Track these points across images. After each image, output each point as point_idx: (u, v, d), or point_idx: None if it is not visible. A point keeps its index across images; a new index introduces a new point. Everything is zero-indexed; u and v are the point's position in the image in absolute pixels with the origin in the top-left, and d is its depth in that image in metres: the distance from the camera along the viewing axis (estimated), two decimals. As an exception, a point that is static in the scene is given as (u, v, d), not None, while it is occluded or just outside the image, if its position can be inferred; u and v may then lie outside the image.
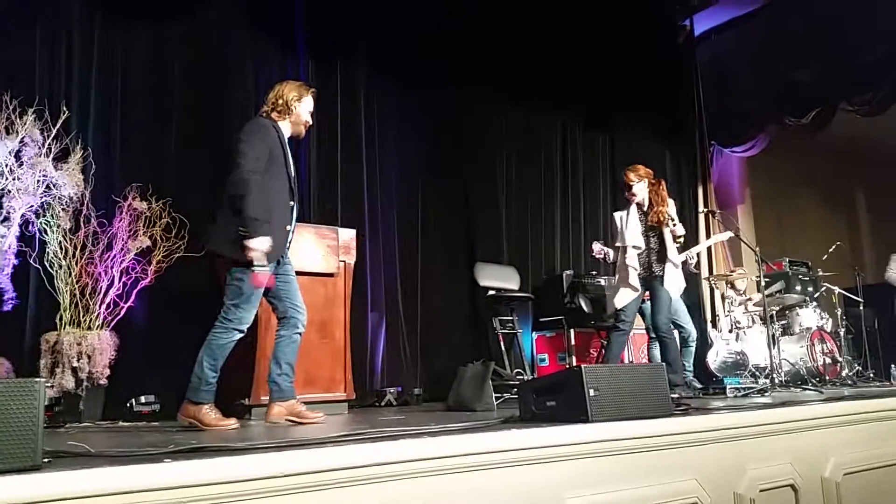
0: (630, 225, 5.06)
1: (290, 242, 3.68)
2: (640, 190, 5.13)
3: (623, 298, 5.02)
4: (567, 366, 6.19)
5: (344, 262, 4.64)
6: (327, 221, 5.18)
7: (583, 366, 2.59)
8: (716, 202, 9.25)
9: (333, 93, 6.10)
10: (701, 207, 8.65)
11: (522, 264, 7.02)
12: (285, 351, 3.57)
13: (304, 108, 3.74)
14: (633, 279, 4.98)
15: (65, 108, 4.42)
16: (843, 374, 6.83)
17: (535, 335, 6.94)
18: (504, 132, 7.36)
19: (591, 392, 2.46)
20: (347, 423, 3.41)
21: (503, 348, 6.02)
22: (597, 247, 5.33)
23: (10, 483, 1.41)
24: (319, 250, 4.53)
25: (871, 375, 7.12)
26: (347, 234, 4.72)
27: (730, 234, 6.62)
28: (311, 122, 3.85)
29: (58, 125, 4.31)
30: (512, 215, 7.26)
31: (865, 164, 10.91)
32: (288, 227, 3.61)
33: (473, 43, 6.92)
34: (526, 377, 5.91)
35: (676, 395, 4.35)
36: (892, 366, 6.91)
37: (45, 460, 1.62)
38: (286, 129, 3.71)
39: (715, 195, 9.36)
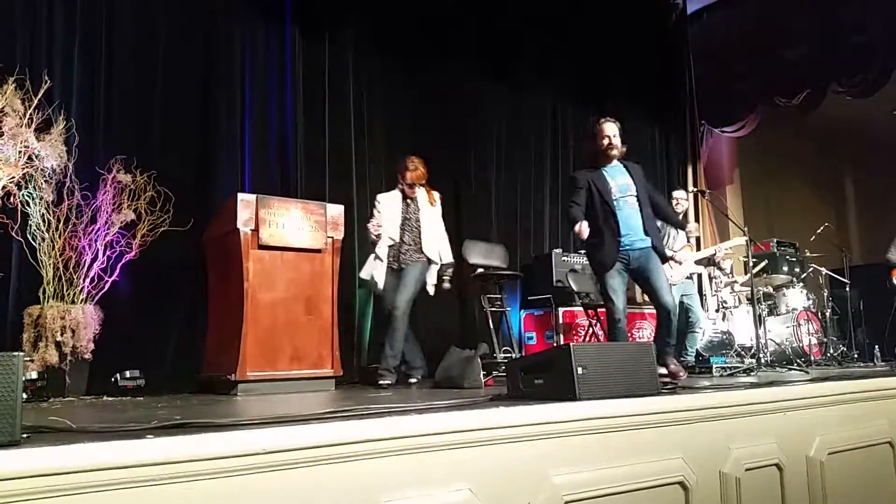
0: None
1: None
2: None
3: None
4: (555, 344, 6.21)
5: (332, 237, 4.59)
6: (315, 197, 5.12)
7: (571, 344, 2.58)
8: (705, 182, 9.26)
9: (321, 65, 6.03)
10: (690, 187, 8.64)
11: (511, 242, 7.00)
12: None
13: None
14: None
15: (47, 78, 4.33)
16: (829, 354, 6.89)
17: (523, 313, 6.95)
18: (493, 109, 7.30)
19: (579, 370, 2.46)
20: (334, 400, 3.39)
21: (491, 326, 6.01)
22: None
23: (-13, 458, 1.38)
24: (307, 225, 4.49)
25: (856, 356, 7.19)
26: (335, 210, 4.66)
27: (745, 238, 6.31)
28: None
29: (39, 95, 4.22)
30: (501, 193, 7.23)
31: (854, 146, 10.93)
32: None
33: (463, 18, 6.85)
34: (514, 355, 5.92)
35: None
36: (877, 347, 6.98)
37: (25, 436, 1.59)
38: None
39: (704, 175, 9.38)
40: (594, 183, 4.32)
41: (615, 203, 4.28)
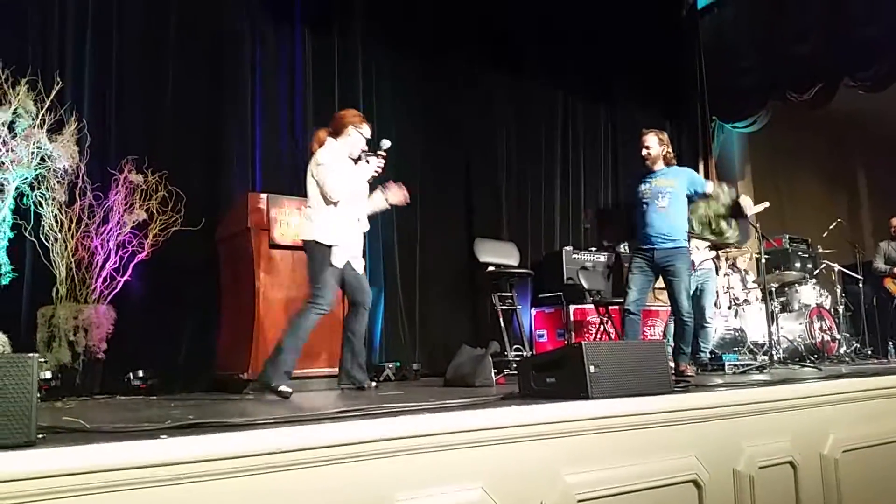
0: None
1: None
2: None
3: None
4: (566, 342, 6.19)
5: (342, 236, 4.59)
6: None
7: (583, 342, 2.57)
8: (716, 177, 9.20)
9: (331, 62, 6.03)
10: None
11: (522, 240, 6.99)
12: None
13: None
14: None
15: (59, 79, 4.36)
16: (842, 351, 6.84)
17: (534, 311, 6.94)
18: (504, 104, 7.29)
19: (591, 368, 2.44)
20: (346, 399, 3.40)
21: (502, 324, 6.01)
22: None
23: (3, 459, 1.39)
24: (317, 225, 4.49)
25: (869, 353, 7.14)
26: (346, 209, 4.66)
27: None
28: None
29: (51, 96, 4.25)
30: (512, 190, 7.21)
31: (867, 141, 10.84)
32: None
33: (473, 13, 6.83)
34: (525, 353, 5.91)
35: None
36: (890, 343, 6.93)
37: (40, 436, 1.59)
38: None
39: (716, 170, 9.32)
40: (635, 185, 4.78)
41: (645, 204, 4.65)
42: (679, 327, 4.67)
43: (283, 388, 3.54)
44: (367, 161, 4.06)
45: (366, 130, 4.10)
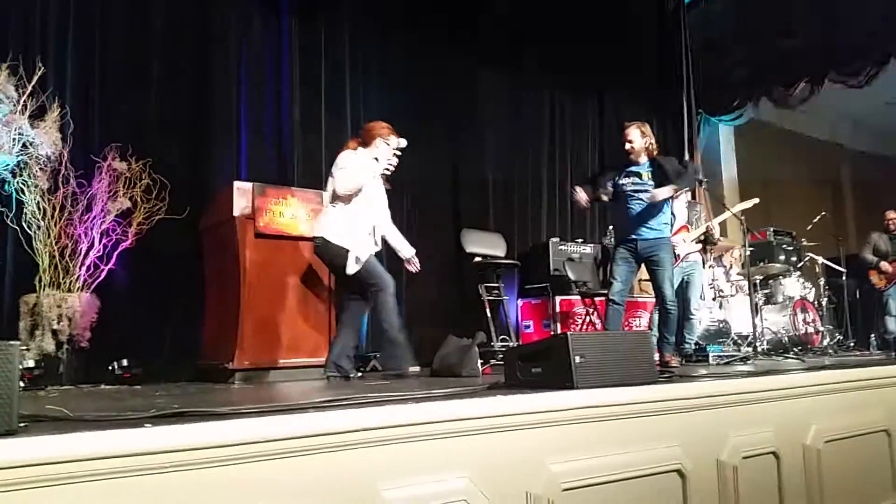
0: None
1: None
2: None
3: None
4: (552, 332, 6.21)
5: (329, 226, 4.58)
6: (312, 185, 5.10)
7: (569, 333, 2.57)
8: (702, 171, 9.24)
9: (318, 52, 5.99)
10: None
11: (508, 231, 7.00)
12: None
13: None
14: None
15: (40, 64, 4.29)
16: (825, 343, 6.91)
17: (520, 302, 6.95)
18: (492, 97, 7.28)
19: (577, 359, 2.45)
20: (331, 389, 3.39)
21: (489, 315, 6.01)
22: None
23: (-16, 447, 1.38)
24: (304, 214, 4.47)
25: (852, 344, 7.22)
26: (332, 198, 4.65)
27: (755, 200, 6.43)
28: None
29: (33, 81, 4.19)
30: (499, 182, 7.21)
31: (851, 135, 10.94)
32: None
33: (461, 6, 6.81)
34: (511, 344, 5.93)
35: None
36: (872, 335, 7.00)
37: (22, 424, 1.58)
38: None
39: (702, 164, 9.36)
40: (617, 177, 4.79)
41: (629, 196, 4.69)
42: (663, 316, 4.73)
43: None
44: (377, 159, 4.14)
45: (394, 142, 4.19)
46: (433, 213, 6.66)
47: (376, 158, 4.13)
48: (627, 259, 4.71)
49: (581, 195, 4.75)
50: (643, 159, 4.74)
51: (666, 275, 4.65)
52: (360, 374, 4.26)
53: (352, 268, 3.96)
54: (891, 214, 7.50)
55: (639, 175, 4.71)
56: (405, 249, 4.42)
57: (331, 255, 4.03)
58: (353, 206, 4.02)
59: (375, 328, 4.71)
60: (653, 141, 4.78)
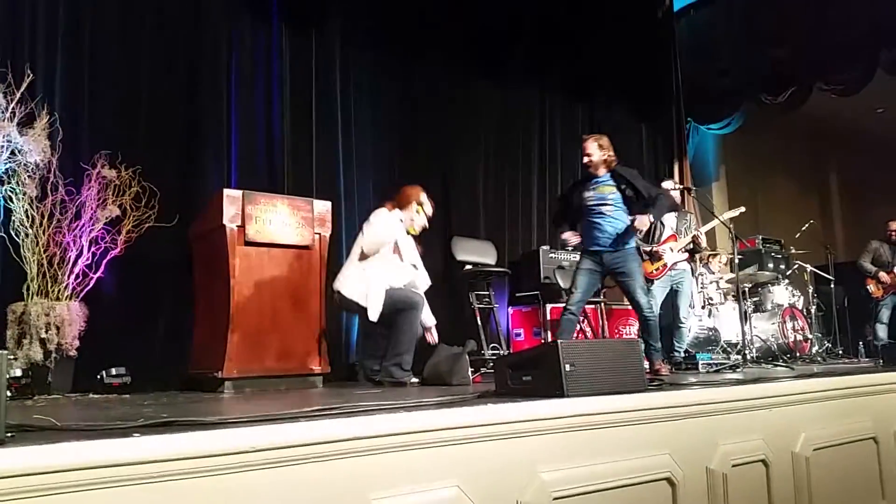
0: None
1: None
2: None
3: None
4: (542, 341, 6.22)
5: (319, 234, 4.57)
6: (302, 193, 5.09)
7: (559, 341, 2.58)
8: (691, 179, 9.30)
9: (308, 61, 5.99)
10: (677, 184, 8.66)
11: (499, 239, 7.00)
12: None
13: None
14: None
15: (29, 71, 4.26)
16: (814, 350, 6.95)
17: (511, 310, 6.95)
18: (481, 105, 7.29)
19: (567, 367, 2.46)
20: (322, 398, 3.38)
21: (479, 323, 6.01)
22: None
23: (-30, 458, 1.36)
24: (294, 222, 4.47)
25: (841, 352, 7.25)
26: (323, 206, 4.64)
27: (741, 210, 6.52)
28: None
29: (21, 88, 4.16)
30: (489, 189, 7.22)
31: (839, 143, 11.02)
32: None
33: (450, 14, 6.83)
34: (502, 352, 5.93)
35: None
36: (861, 343, 7.04)
37: (9, 434, 1.57)
38: None
39: (690, 172, 9.41)
40: (575, 192, 4.89)
41: (591, 209, 4.71)
42: (643, 324, 4.72)
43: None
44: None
45: (428, 209, 4.62)
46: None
47: (408, 218, 4.52)
48: (592, 270, 4.72)
49: (571, 238, 4.87)
50: (601, 172, 4.74)
51: (637, 284, 4.63)
52: (416, 380, 4.32)
53: (374, 316, 4.24)
54: (894, 225, 7.48)
55: (601, 188, 4.72)
56: (427, 318, 4.55)
57: (347, 306, 4.46)
58: (373, 262, 4.35)
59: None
60: (611, 153, 4.76)
